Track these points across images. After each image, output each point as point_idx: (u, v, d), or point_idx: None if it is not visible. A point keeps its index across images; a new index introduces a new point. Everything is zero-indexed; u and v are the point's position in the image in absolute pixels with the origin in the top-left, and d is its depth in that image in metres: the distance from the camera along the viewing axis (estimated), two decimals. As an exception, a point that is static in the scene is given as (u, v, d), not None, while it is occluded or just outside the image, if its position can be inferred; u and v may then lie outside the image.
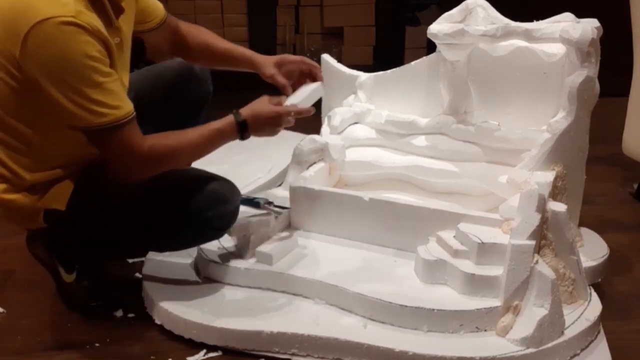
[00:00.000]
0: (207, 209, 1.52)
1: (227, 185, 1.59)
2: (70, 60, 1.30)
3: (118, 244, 1.63)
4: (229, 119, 1.52)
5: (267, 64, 1.75)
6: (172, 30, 1.76)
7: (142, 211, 1.52)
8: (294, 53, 4.10)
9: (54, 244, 1.62)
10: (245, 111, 1.53)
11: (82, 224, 1.53)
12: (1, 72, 1.38)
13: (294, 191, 1.78)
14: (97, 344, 1.52)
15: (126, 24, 1.53)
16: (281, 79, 1.70)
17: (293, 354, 1.46)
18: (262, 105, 1.56)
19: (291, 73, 1.73)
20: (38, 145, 1.46)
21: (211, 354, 1.48)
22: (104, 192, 1.52)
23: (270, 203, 1.78)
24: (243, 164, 2.23)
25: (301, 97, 1.64)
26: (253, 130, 1.54)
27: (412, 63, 2.03)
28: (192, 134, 1.51)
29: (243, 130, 1.52)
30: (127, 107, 1.40)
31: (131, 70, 1.64)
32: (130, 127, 1.40)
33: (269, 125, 1.56)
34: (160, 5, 1.73)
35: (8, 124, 1.45)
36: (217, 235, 1.62)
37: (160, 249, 1.69)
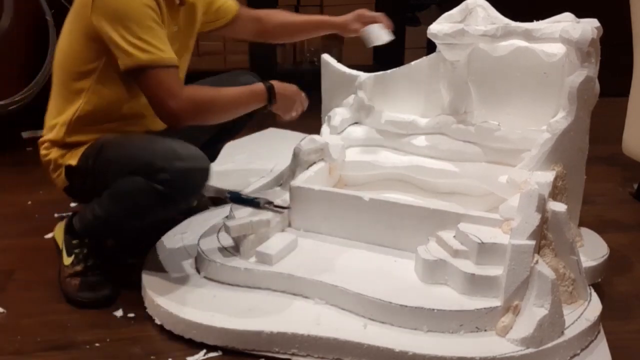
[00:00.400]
0: (159, 162, 1.53)
1: (189, 147, 1.59)
2: (129, 4, 1.51)
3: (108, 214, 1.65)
4: (259, 85, 1.70)
5: (347, 23, 2.00)
6: (248, 21, 1.98)
7: (115, 169, 1.60)
8: (294, 53, 4.11)
9: (68, 223, 1.76)
10: (274, 82, 1.72)
11: (86, 188, 1.68)
12: (76, 33, 1.61)
13: (294, 191, 1.78)
14: (97, 344, 1.52)
15: (185, 19, 1.74)
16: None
17: (293, 354, 1.45)
18: (287, 84, 1.75)
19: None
20: (85, 111, 1.66)
21: (211, 354, 1.47)
22: (98, 152, 1.65)
23: (270, 203, 1.78)
24: (245, 163, 2.23)
25: (384, 33, 1.93)
26: (279, 98, 1.71)
27: (412, 63, 2.03)
28: (228, 90, 1.66)
29: (271, 96, 1.69)
30: (172, 55, 1.57)
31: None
32: (172, 72, 1.56)
33: (290, 98, 1.75)
34: (232, 3, 1.95)
35: (69, 86, 1.66)
36: (167, 194, 1.54)
37: (134, 214, 1.63)
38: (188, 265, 1.73)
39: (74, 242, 1.72)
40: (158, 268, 1.72)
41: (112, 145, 1.65)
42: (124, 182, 1.58)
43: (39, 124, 3.03)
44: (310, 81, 2.28)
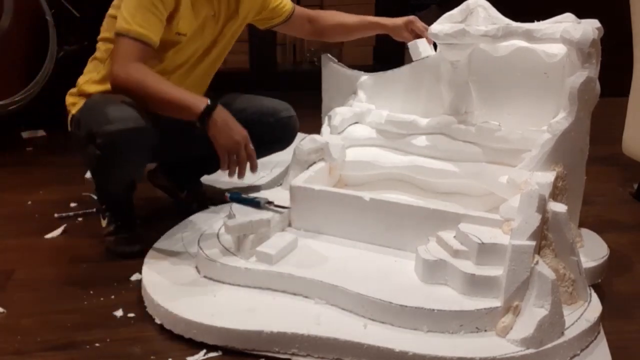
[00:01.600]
0: (94, 128, 1.68)
1: (124, 110, 1.67)
2: None
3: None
4: (202, 100, 1.64)
5: (399, 28, 2.09)
6: (304, 20, 2.12)
7: (82, 130, 1.76)
8: (294, 53, 4.11)
9: (98, 194, 1.98)
10: (223, 112, 1.64)
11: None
12: (113, 10, 1.82)
13: (294, 191, 1.78)
14: (97, 344, 1.52)
15: (228, 9, 1.90)
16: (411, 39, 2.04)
17: (293, 354, 1.45)
18: (239, 124, 1.67)
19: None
20: (105, 68, 1.84)
21: (211, 354, 1.47)
22: (82, 109, 1.82)
23: (270, 203, 1.78)
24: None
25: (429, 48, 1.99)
26: (215, 125, 1.62)
27: (412, 63, 2.03)
28: (166, 85, 1.68)
29: (205, 115, 1.62)
30: (148, 33, 1.69)
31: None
32: (136, 46, 1.68)
33: (229, 135, 1.63)
34: (288, 2, 2.09)
35: (101, 48, 1.88)
36: (104, 156, 1.67)
37: (101, 179, 1.87)
38: (188, 265, 1.73)
39: (103, 206, 1.93)
40: (158, 268, 1.72)
41: (87, 106, 1.80)
42: (87, 150, 1.73)
43: (39, 124, 3.04)
44: (310, 81, 2.29)
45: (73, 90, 1.93)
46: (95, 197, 2.20)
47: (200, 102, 1.63)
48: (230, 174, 1.66)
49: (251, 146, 1.67)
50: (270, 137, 2.03)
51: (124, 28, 1.69)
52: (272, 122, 2.04)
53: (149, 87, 1.66)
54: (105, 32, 1.89)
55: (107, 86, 1.78)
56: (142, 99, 1.68)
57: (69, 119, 1.90)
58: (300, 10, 2.14)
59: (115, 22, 1.77)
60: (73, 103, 1.89)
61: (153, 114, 1.71)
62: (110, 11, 1.87)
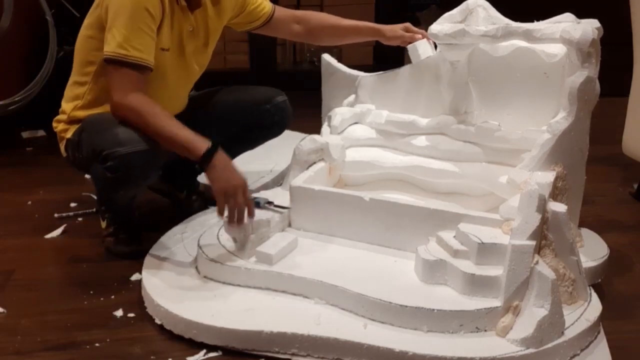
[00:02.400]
0: (104, 150, 1.67)
1: (135, 132, 1.66)
2: (132, 5, 1.63)
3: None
4: (205, 142, 1.61)
5: (393, 32, 2.00)
6: (289, 21, 2.05)
7: (85, 151, 1.78)
8: (294, 53, 4.11)
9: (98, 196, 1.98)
10: (224, 158, 1.62)
11: (75, 160, 1.85)
12: (91, 30, 1.75)
13: (294, 191, 1.78)
14: (97, 344, 1.52)
15: (206, 20, 1.86)
16: (406, 38, 1.97)
17: (293, 354, 1.45)
18: (238, 172, 1.64)
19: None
20: (89, 96, 1.82)
21: (211, 354, 1.47)
22: (81, 130, 1.81)
23: (270, 203, 1.78)
24: (245, 163, 2.23)
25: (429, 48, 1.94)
26: (213, 167, 1.60)
27: (412, 63, 2.03)
28: (168, 123, 1.64)
29: (207, 159, 1.59)
30: (147, 57, 1.66)
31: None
32: (135, 73, 1.65)
33: (229, 180, 1.61)
34: (267, 4, 2.03)
35: (79, 71, 1.82)
36: (115, 178, 1.68)
37: (106, 194, 1.87)
38: (188, 265, 1.73)
39: (103, 208, 1.94)
40: (158, 268, 1.72)
41: (87, 127, 1.79)
42: (93, 168, 1.75)
43: (39, 124, 3.04)
44: (310, 81, 2.28)
45: (61, 117, 1.88)
46: (95, 197, 2.20)
47: (202, 144, 1.60)
48: (230, 221, 1.61)
49: (249, 194, 1.64)
50: (269, 122, 2.07)
51: (120, 53, 1.63)
52: (269, 108, 2.05)
53: (151, 123, 1.64)
54: (82, 53, 1.82)
55: (97, 109, 1.80)
56: (144, 131, 1.65)
57: (63, 144, 1.87)
58: (283, 11, 2.08)
59: (92, 43, 1.74)
60: (65, 129, 1.86)
61: None
62: (85, 32, 1.80)
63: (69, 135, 1.84)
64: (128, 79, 1.64)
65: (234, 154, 2.14)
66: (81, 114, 1.83)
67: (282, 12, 2.07)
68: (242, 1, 1.97)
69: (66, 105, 1.87)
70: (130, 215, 1.95)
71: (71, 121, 1.85)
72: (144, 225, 2.01)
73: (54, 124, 1.90)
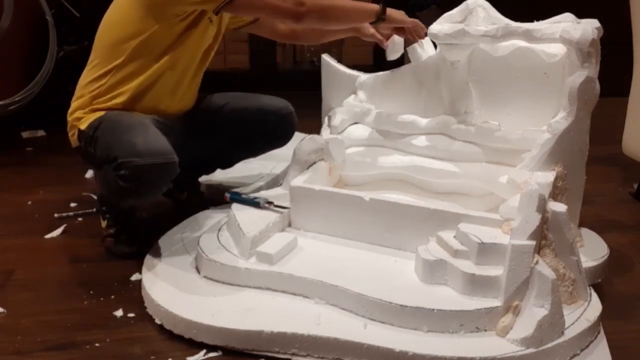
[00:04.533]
0: (120, 157, 1.66)
1: (152, 142, 1.68)
2: None
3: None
4: (373, 5, 1.86)
5: (367, 30, 2.04)
6: (272, 21, 2.07)
7: (100, 149, 1.76)
8: (294, 53, 4.11)
9: (100, 196, 1.97)
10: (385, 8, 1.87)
11: (87, 153, 1.84)
12: (128, 5, 1.77)
13: (294, 191, 1.78)
14: (97, 344, 1.52)
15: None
16: (379, 36, 2.04)
17: (293, 354, 1.45)
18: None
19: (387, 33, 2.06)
20: (112, 84, 1.82)
21: (211, 354, 1.47)
22: (97, 126, 1.78)
23: (270, 203, 1.78)
24: (246, 162, 2.24)
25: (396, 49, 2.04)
26: (389, 15, 1.88)
27: (412, 63, 2.03)
28: (342, 2, 1.84)
29: (382, 12, 1.85)
30: None
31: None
32: None
33: (400, 15, 1.92)
34: None
35: (109, 54, 1.81)
36: (126, 187, 1.66)
37: (115, 199, 1.83)
38: (188, 265, 1.73)
39: (104, 208, 1.94)
40: (158, 268, 1.72)
41: (106, 125, 1.77)
42: (104, 170, 1.74)
43: (39, 124, 3.04)
44: (310, 81, 2.28)
45: (79, 103, 1.85)
46: (95, 197, 2.19)
47: (373, 6, 1.85)
48: (413, 36, 1.95)
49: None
50: (273, 134, 2.08)
51: None
52: (275, 119, 2.06)
53: (336, 7, 1.80)
54: (110, 37, 1.83)
55: (118, 99, 1.82)
56: (333, 23, 1.85)
57: (76, 133, 1.85)
58: None
59: (124, 26, 1.77)
60: (78, 118, 1.84)
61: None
62: (118, 12, 1.82)
63: (83, 126, 1.81)
64: None
65: (237, 159, 2.16)
66: (101, 103, 1.83)
67: None
68: None
69: (83, 90, 1.85)
70: (132, 217, 1.95)
71: (89, 110, 1.83)
72: (144, 226, 2.01)
73: (73, 112, 1.86)
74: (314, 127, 2.12)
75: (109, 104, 1.83)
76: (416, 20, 1.98)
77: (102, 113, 1.81)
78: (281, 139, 2.14)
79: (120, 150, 1.66)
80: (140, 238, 1.92)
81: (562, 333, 1.43)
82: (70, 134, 1.89)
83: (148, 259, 1.77)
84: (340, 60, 2.17)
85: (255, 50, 3.96)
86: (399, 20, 1.93)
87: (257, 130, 2.04)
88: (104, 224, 1.95)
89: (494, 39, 1.77)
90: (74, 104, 1.88)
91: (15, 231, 2.11)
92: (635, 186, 2.42)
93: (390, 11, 1.88)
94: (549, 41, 1.71)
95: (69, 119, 1.88)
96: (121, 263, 1.86)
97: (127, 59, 1.80)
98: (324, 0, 1.79)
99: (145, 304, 1.63)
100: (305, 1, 1.74)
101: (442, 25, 1.84)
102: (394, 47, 2.04)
